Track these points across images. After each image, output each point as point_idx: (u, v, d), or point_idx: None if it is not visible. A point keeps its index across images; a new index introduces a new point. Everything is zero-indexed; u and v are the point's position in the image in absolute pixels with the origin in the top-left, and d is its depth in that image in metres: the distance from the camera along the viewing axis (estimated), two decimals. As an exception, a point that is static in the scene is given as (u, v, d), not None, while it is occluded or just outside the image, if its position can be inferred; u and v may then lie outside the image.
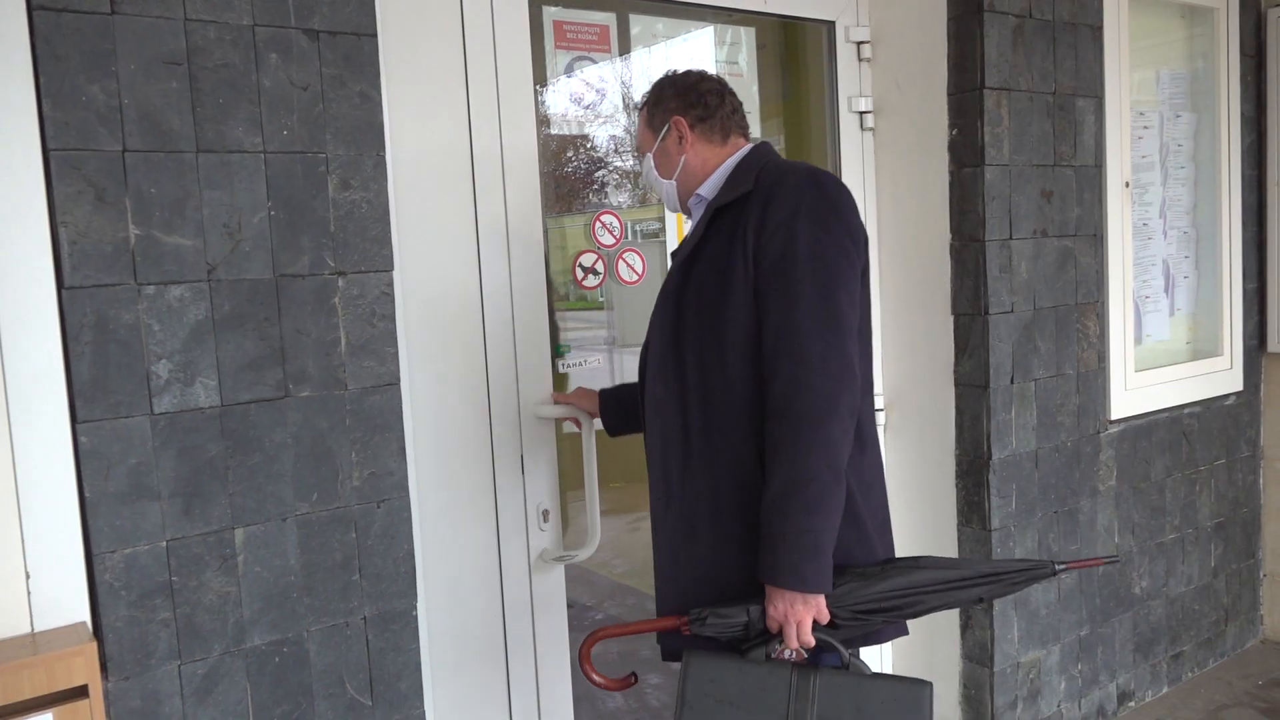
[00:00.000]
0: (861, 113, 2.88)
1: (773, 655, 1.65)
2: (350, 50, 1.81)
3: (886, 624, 1.72)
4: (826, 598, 1.63)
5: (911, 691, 1.64)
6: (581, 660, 1.72)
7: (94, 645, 1.52)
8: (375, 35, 1.84)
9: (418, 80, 2.09)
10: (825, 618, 1.64)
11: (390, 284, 1.88)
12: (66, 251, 1.56)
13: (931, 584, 1.69)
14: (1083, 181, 2.90)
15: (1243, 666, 3.44)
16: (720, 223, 1.76)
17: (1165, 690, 3.26)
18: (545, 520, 2.30)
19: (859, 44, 2.86)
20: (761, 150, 1.86)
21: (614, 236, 2.54)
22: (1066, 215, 2.87)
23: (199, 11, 1.66)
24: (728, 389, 1.70)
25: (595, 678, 1.72)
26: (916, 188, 2.82)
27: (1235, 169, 3.38)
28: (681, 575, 1.76)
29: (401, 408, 1.90)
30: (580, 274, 2.50)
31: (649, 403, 1.85)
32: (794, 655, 1.66)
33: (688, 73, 1.92)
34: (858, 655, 1.71)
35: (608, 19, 2.61)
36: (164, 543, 1.66)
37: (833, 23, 2.84)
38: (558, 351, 2.45)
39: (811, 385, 1.61)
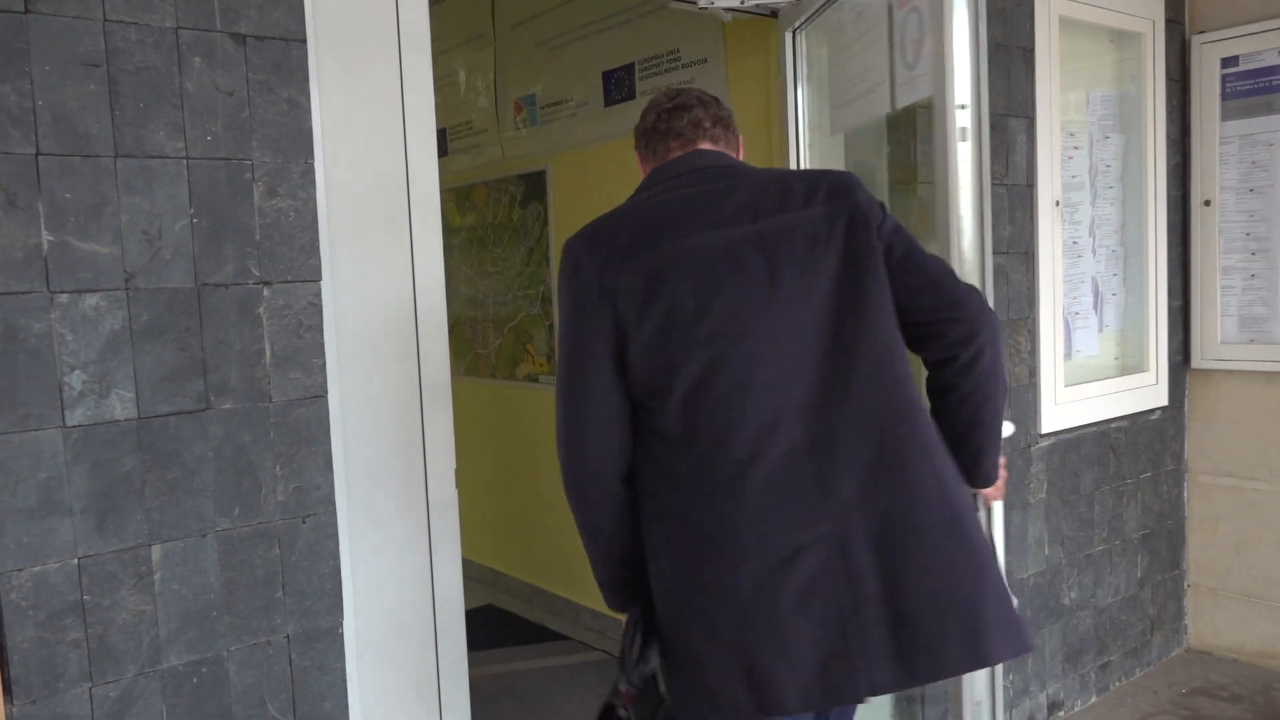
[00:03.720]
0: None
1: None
2: (278, 56, 1.78)
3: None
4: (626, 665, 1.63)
5: None
6: None
7: (-3, 668, 1.46)
8: (304, 41, 1.81)
9: (351, 87, 2.05)
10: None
11: (318, 294, 1.84)
12: (-27, 257, 1.50)
13: None
14: (1014, 200, 2.96)
15: (1168, 675, 3.52)
16: None
17: (1094, 699, 3.33)
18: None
19: (798, 60, 2.89)
20: (652, 177, 1.73)
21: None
22: (999, 233, 2.91)
23: (119, 13, 1.61)
24: None
25: None
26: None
27: (1161, 190, 3.47)
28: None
29: (329, 420, 1.86)
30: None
31: None
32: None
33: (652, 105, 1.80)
34: None
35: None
36: (75, 560, 1.60)
37: (772, 39, 2.86)
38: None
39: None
